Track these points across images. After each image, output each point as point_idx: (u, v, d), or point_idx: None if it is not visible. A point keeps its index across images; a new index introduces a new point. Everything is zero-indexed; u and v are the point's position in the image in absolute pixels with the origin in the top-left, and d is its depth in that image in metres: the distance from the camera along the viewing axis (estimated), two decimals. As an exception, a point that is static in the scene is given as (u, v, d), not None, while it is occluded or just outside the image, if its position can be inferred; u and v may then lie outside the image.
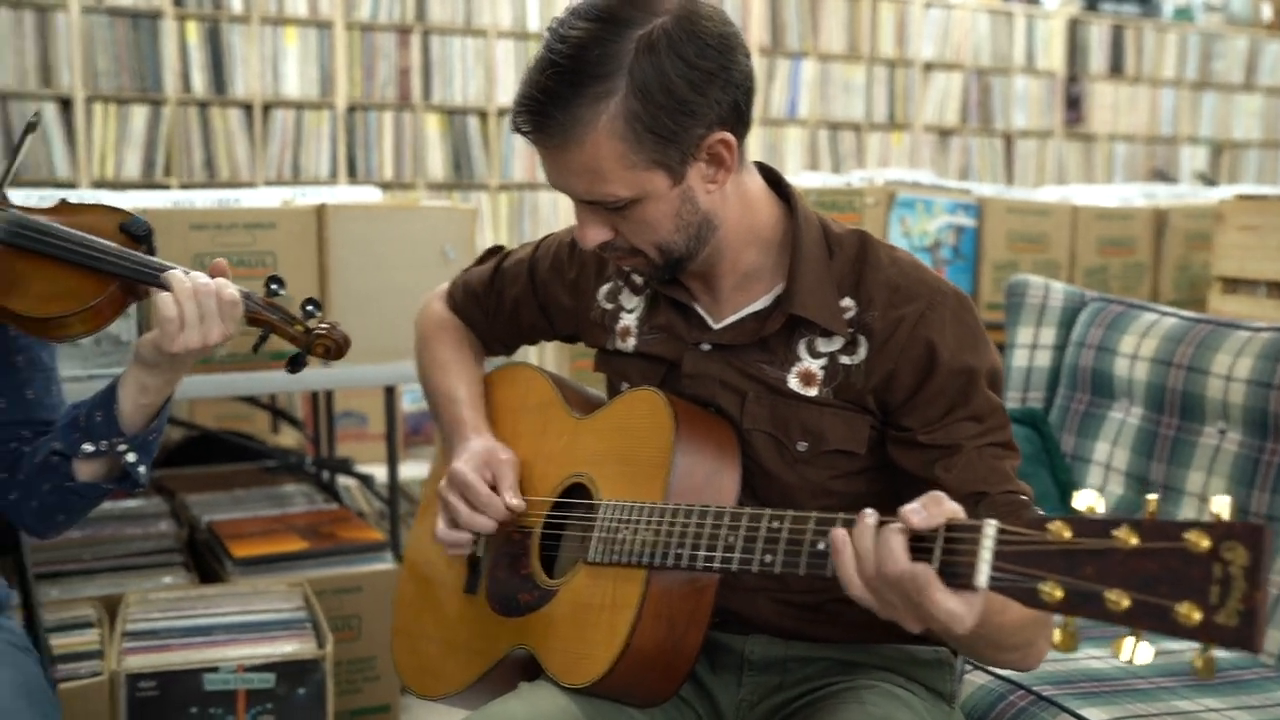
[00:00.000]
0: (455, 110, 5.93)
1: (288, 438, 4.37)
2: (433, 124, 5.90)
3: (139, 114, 5.36)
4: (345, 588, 2.69)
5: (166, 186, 5.38)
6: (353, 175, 5.73)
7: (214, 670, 2.22)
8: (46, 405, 1.59)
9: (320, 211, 2.73)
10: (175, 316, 1.40)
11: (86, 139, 5.27)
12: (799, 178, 3.93)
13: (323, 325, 1.52)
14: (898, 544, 1.05)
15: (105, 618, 2.41)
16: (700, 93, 1.25)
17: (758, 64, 6.58)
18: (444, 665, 1.57)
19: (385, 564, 2.76)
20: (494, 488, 1.50)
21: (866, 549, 1.08)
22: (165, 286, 1.43)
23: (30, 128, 1.53)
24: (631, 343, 1.51)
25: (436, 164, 5.91)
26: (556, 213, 6.12)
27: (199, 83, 5.45)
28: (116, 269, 1.46)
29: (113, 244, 1.47)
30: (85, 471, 1.50)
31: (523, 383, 1.64)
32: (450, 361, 1.68)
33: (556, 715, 1.34)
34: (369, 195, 3.58)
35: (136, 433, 1.48)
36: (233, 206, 2.75)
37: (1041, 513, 1.32)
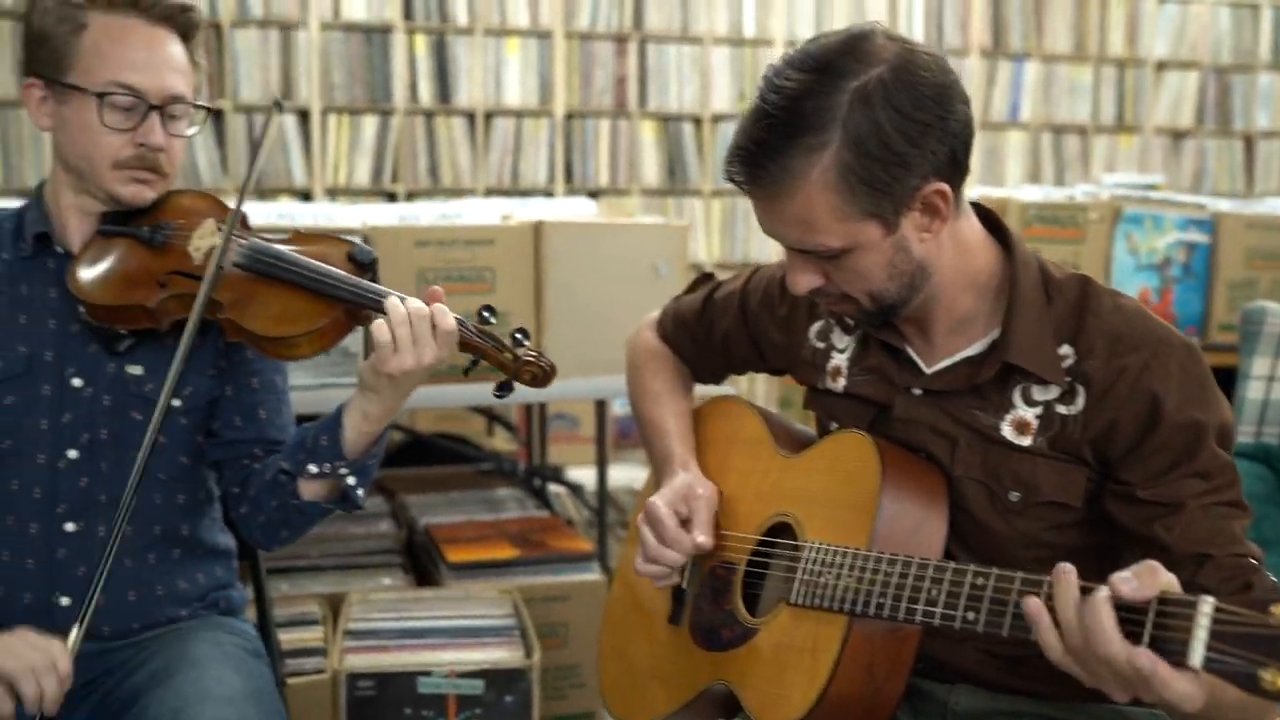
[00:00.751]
0: (670, 117, 5.99)
1: (500, 439, 4.51)
2: (648, 131, 5.97)
3: (369, 124, 5.62)
4: (554, 596, 2.76)
5: (394, 193, 5.62)
6: (569, 181, 5.86)
7: (427, 674, 2.31)
8: (277, 425, 1.70)
9: (537, 228, 2.80)
10: (389, 341, 1.47)
11: (321, 148, 5.55)
12: (1019, 190, 3.81)
13: (530, 353, 1.56)
14: (1107, 618, 1.02)
15: (329, 615, 2.54)
16: (915, 145, 1.23)
17: (978, 66, 6.41)
18: (646, 692, 1.60)
19: (593, 575, 2.81)
20: (688, 522, 1.52)
21: (1070, 620, 1.05)
22: (384, 311, 1.50)
23: (277, 107, 1.62)
24: (842, 383, 1.50)
25: (651, 170, 5.99)
26: (768, 219, 6.10)
27: (425, 93, 5.67)
28: (342, 294, 1.54)
29: (340, 271, 1.56)
30: (309, 491, 1.59)
31: (733, 417, 1.65)
32: (660, 392, 1.70)
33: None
34: (583, 208, 3.66)
35: (357, 457, 1.56)
36: (454, 224, 2.85)
37: (1273, 579, 1.25)
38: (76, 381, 1.59)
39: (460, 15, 5.67)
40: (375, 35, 5.59)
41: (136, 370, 1.61)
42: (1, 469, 1.57)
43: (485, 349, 1.55)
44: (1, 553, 1.57)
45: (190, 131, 1.64)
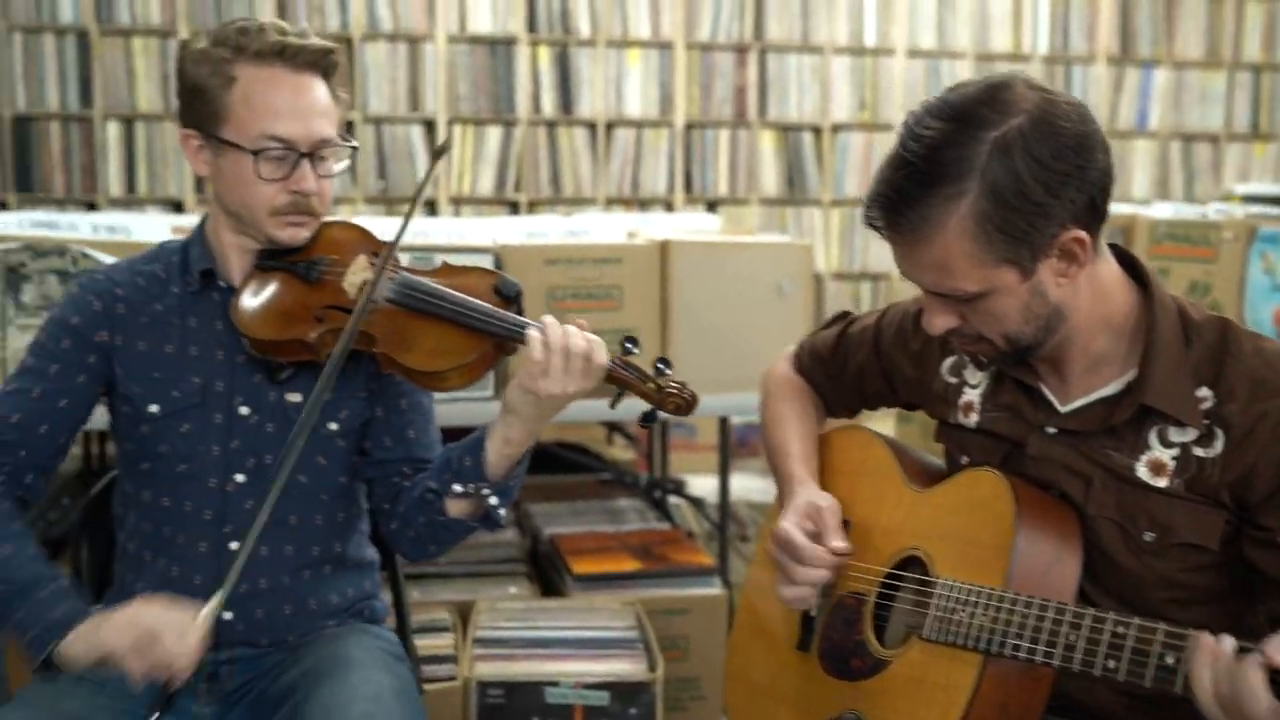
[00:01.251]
0: (790, 127, 6.00)
1: (619, 447, 4.58)
2: (767, 140, 5.99)
3: (493, 134, 5.73)
4: (675, 609, 2.81)
5: (516, 203, 5.73)
6: (689, 191, 5.90)
7: (554, 685, 2.37)
8: (424, 445, 1.77)
9: (664, 247, 2.85)
10: (540, 366, 1.52)
11: (447, 158, 5.68)
12: (1148, 208, 3.75)
13: (673, 384, 1.59)
14: (1257, 682, 1.03)
15: (459, 623, 2.62)
16: (1054, 194, 1.25)
17: (1104, 74, 6.30)
18: (772, 716, 1.63)
19: (714, 589, 2.85)
20: (818, 536, 1.55)
21: (1222, 686, 1.06)
22: (528, 342, 1.55)
23: (441, 151, 1.68)
24: (974, 418, 1.52)
25: (770, 180, 6.00)
26: (887, 229, 6.08)
27: (548, 104, 5.77)
28: (491, 329, 1.60)
29: (487, 305, 1.62)
30: (454, 509, 1.66)
31: (861, 446, 1.67)
32: (788, 417, 1.74)
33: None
34: (705, 223, 3.71)
35: (499, 479, 1.62)
36: (582, 242, 2.92)
37: None
38: (244, 410, 1.68)
39: (583, 27, 5.76)
40: (500, 47, 5.71)
41: (295, 398, 1.69)
42: (176, 491, 1.67)
43: (630, 381, 1.59)
44: (172, 568, 1.67)
45: (339, 169, 1.70)
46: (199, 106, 1.64)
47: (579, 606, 2.71)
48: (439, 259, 1.78)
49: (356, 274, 1.67)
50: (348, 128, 5.53)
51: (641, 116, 5.85)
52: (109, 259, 2.68)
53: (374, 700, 1.53)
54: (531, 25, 5.72)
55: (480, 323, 1.61)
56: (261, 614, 1.67)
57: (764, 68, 5.96)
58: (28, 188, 5.45)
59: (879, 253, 6.10)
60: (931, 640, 1.38)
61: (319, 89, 1.65)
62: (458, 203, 5.71)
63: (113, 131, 5.49)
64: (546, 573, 3.00)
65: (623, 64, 5.82)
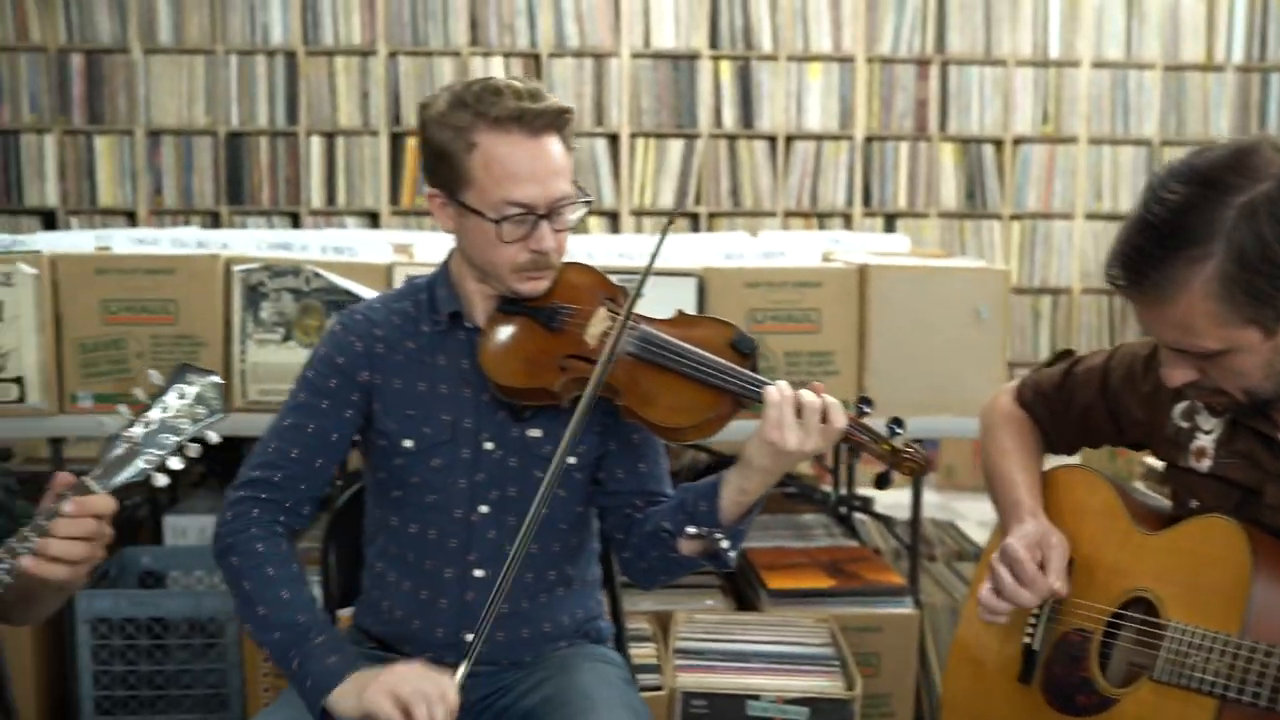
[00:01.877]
0: (970, 140, 5.96)
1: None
2: (947, 154, 5.96)
3: (675, 148, 5.84)
4: (867, 627, 2.86)
5: (696, 215, 5.83)
6: (867, 204, 5.91)
7: (756, 698, 2.45)
8: (655, 478, 1.85)
9: (862, 271, 2.90)
10: (780, 422, 1.57)
11: (629, 171, 5.82)
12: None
13: (909, 448, 1.62)
14: None
15: (659, 632, 2.72)
16: None
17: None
18: (993, 744, 1.68)
19: (906, 609, 2.89)
20: (1044, 566, 1.59)
21: None
22: (766, 402, 1.59)
23: (670, 222, 1.75)
24: (1206, 463, 1.54)
25: (949, 193, 5.97)
26: (1070, 243, 5.99)
27: (729, 117, 5.85)
28: (731, 388, 1.66)
29: (724, 362, 1.67)
30: (686, 548, 1.72)
31: (1085, 487, 1.71)
32: (1011, 449, 1.78)
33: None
34: (896, 244, 3.73)
35: (731, 524, 1.68)
36: (782, 265, 2.99)
37: None
38: (488, 445, 1.78)
39: (764, 42, 5.82)
40: (683, 62, 5.82)
41: (536, 434, 1.78)
42: (425, 519, 1.79)
43: (865, 443, 1.61)
44: (421, 591, 1.79)
45: (573, 219, 1.76)
46: (442, 170, 1.72)
47: (773, 621, 2.78)
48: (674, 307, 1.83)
49: (597, 325, 1.74)
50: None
51: (821, 130, 5.88)
52: (339, 279, 2.87)
53: None
54: (714, 41, 5.82)
55: (720, 381, 1.66)
56: (502, 636, 1.77)
57: (945, 80, 5.93)
58: (238, 199, 5.79)
59: (1060, 268, 6.02)
60: (1163, 682, 1.42)
61: (555, 148, 1.70)
62: (639, 215, 5.84)
63: (315, 146, 5.78)
64: (740, 587, 3.08)
65: (803, 78, 5.87)
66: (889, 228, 5.91)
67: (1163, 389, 1.61)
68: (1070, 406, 1.75)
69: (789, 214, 5.88)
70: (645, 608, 2.87)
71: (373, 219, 5.81)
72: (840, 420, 1.59)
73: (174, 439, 1.40)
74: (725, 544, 1.68)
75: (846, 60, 5.87)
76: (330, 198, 5.81)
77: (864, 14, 5.83)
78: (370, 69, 5.76)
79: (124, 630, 2.99)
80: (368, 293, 2.84)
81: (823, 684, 2.49)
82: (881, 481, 1.67)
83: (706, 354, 1.68)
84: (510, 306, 1.78)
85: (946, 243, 5.93)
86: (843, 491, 3.74)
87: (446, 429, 1.78)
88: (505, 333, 1.76)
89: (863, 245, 3.57)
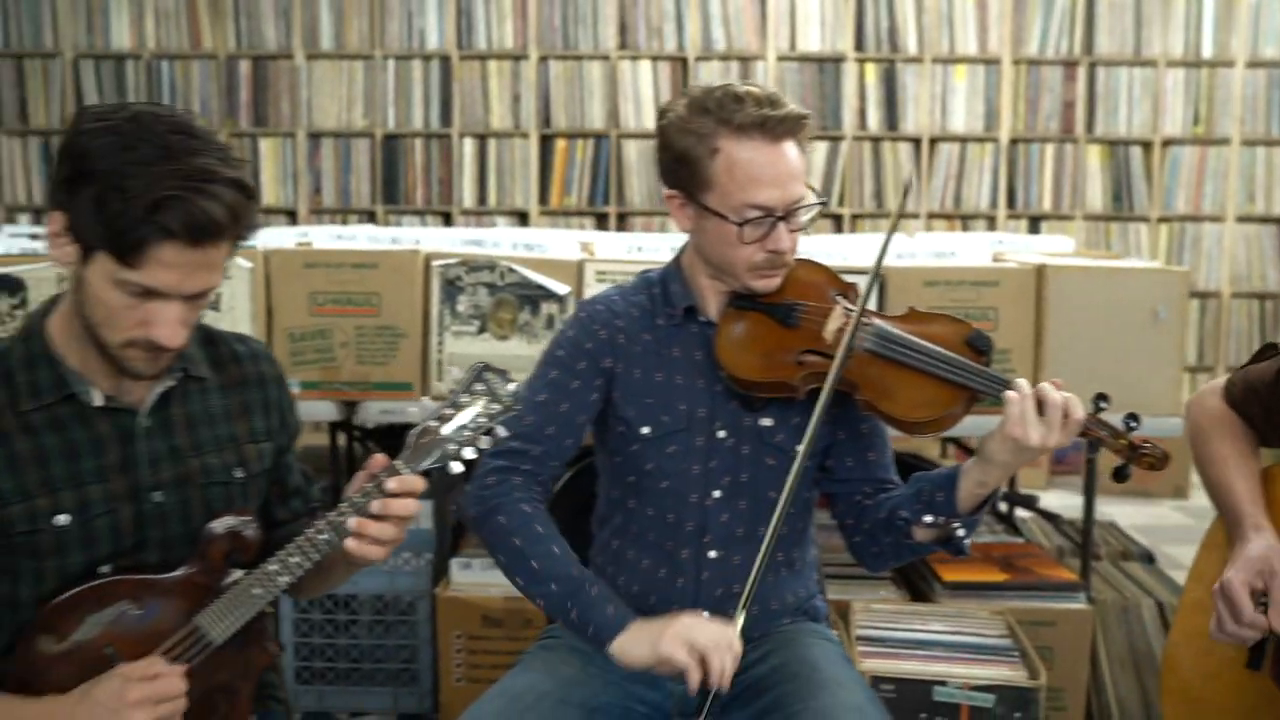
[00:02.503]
0: (1118, 141, 5.92)
1: (953, 459, 4.66)
2: (1094, 156, 5.93)
3: (819, 149, 5.91)
4: (1040, 621, 2.90)
5: (839, 216, 5.89)
6: (1011, 206, 5.91)
7: (942, 684, 2.51)
8: (883, 466, 1.93)
9: (1040, 271, 2.95)
10: (1021, 418, 1.62)
11: (774, 173, 5.90)
12: None
13: (1146, 443, 1.66)
14: None
15: (839, 620, 2.80)
16: None
17: None
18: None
19: (1080, 604, 2.92)
20: (1265, 593, 1.63)
21: None
22: (1007, 399, 1.64)
23: (897, 220, 1.81)
24: None
25: (1095, 196, 5.94)
26: (1220, 246, 5.91)
27: (873, 120, 5.90)
28: (971, 384, 1.72)
29: (962, 359, 1.73)
30: (921, 535, 1.80)
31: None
32: (1228, 456, 1.81)
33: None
34: (1062, 245, 3.76)
35: (968, 513, 1.75)
36: (959, 265, 3.04)
37: None
38: (721, 433, 1.87)
39: (910, 45, 5.86)
40: (828, 65, 5.88)
41: (768, 423, 1.87)
42: (661, 503, 1.88)
43: (1103, 438, 1.67)
44: (660, 570, 1.89)
45: (806, 219, 1.82)
46: (683, 173, 1.79)
47: (948, 612, 2.84)
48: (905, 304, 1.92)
49: (834, 321, 1.80)
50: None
51: (966, 132, 5.90)
52: (532, 274, 3.01)
53: (858, 711, 1.70)
54: (859, 43, 5.87)
55: (961, 378, 1.72)
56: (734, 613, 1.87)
57: (1093, 82, 5.90)
58: (393, 199, 6.00)
59: (1209, 271, 5.94)
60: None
61: (793, 153, 1.77)
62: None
63: (468, 148, 5.97)
64: (913, 579, 3.14)
65: (949, 80, 5.89)
66: (1033, 230, 5.89)
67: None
68: None
69: (932, 215, 5.91)
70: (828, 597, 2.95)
71: (522, 218, 5.98)
72: (1080, 415, 1.63)
73: (469, 432, 1.52)
74: (961, 532, 1.75)
75: (992, 62, 5.87)
76: (481, 198, 6.00)
77: (1011, 15, 5.83)
78: (521, 73, 5.92)
79: (323, 605, 3.16)
80: (560, 288, 2.97)
81: (1006, 673, 2.54)
82: (1119, 475, 1.70)
83: (946, 351, 1.74)
84: (743, 302, 1.86)
85: (1092, 245, 5.90)
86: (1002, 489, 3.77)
87: (682, 418, 1.86)
88: (741, 328, 1.84)
89: (1028, 246, 3.60)
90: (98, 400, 1.54)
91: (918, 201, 5.91)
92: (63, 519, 1.50)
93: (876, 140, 5.92)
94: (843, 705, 1.69)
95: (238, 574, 1.55)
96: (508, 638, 2.97)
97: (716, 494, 1.87)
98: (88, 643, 1.49)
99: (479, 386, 1.54)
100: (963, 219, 5.93)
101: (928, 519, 1.75)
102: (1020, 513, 3.83)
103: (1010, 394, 1.64)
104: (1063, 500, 4.88)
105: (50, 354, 1.54)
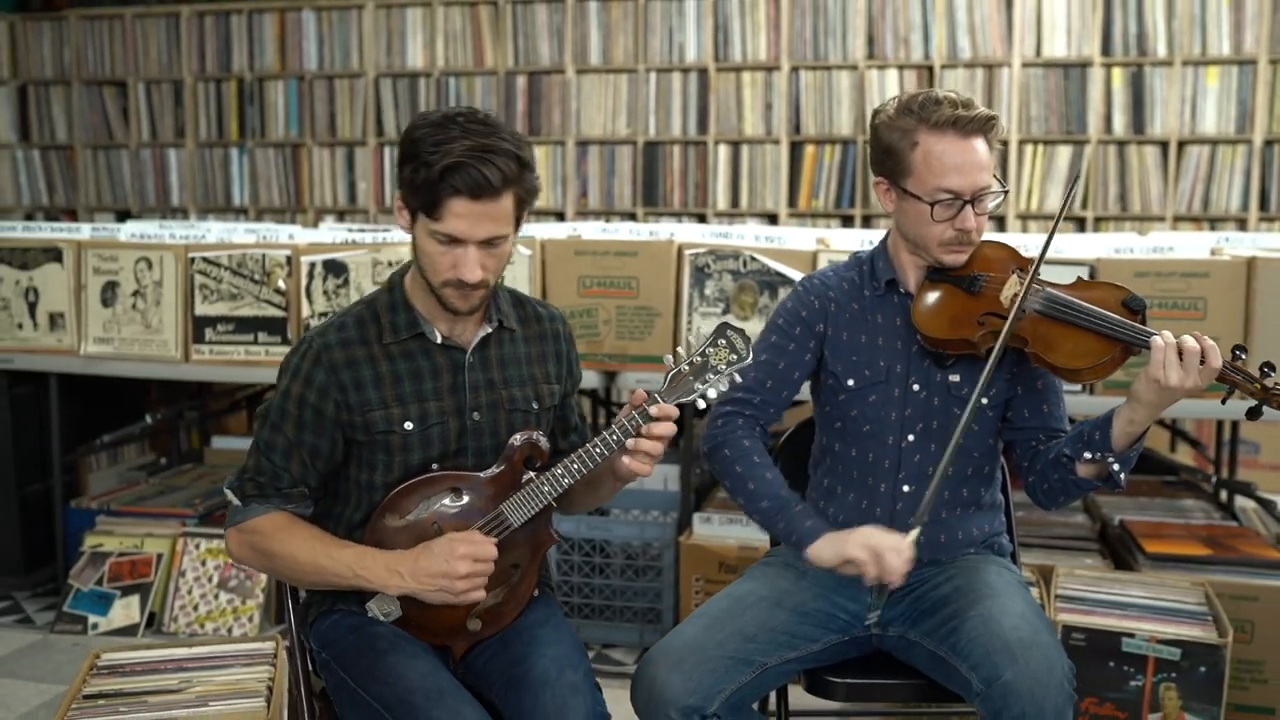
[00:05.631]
0: (1381, 143, 5.79)
1: (1182, 454, 4.75)
2: (1355, 157, 5.83)
3: (1063, 153, 6.03)
4: (1242, 595, 3.06)
5: (1083, 219, 6.00)
6: (1264, 209, 5.87)
7: (1131, 636, 2.75)
8: (1056, 417, 2.23)
9: (1250, 263, 3.11)
10: (1164, 362, 1.91)
11: (1017, 176, 6.07)
12: None
13: (1279, 386, 1.91)
14: None
15: (1041, 582, 3.06)
16: None
17: None
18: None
19: (1282, 581, 3.07)
20: None
21: None
22: (1152, 347, 1.94)
23: (1075, 178, 2.12)
24: None
25: (1355, 198, 5.83)
26: None
27: (1119, 123, 5.98)
28: (1121, 336, 2.01)
29: (1116, 316, 2.03)
30: (1083, 471, 2.09)
31: None
32: None
33: None
34: (1289, 242, 3.83)
35: (1122, 450, 2.04)
36: (1170, 257, 3.24)
37: None
38: (915, 386, 2.22)
39: (1159, 48, 5.91)
40: (1074, 70, 6.00)
41: (955, 378, 2.21)
42: (863, 445, 2.24)
43: (1238, 382, 1.93)
44: (862, 501, 2.25)
45: (992, 205, 2.16)
46: (889, 163, 2.16)
47: (1149, 581, 3.04)
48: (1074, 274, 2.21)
49: (1010, 288, 2.13)
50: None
51: (1216, 134, 5.90)
52: (771, 262, 3.39)
53: (1020, 616, 2.01)
54: (1106, 48, 5.96)
55: (1112, 331, 2.02)
56: (924, 540, 2.20)
57: (1355, 82, 5.79)
58: (652, 202, 6.50)
59: None
60: None
61: (981, 147, 2.10)
62: (1024, 219, 6.07)
63: (722, 154, 6.40)
64: (1117, 551, 3.35)
65: (1200, 82, 5.91)
66: (1288, 233, 5.83)
67: None
68: None
69: (1178, 218, 5.93)
70: (1028, 561, 3.21)
71: (772, 220, 6.36)
72: (1216, 360, 1.90)
73: (713, 375, 1.93)
74: (1116, 466, 2.04)
75: (1247, 63, 5.85)
76: (734, 200, 6.41)
77: (1269, 15, 5.80)
78: (774, 83, 6.31)
79: (582, 549, 3.64)
80: (795, 274, 3.35)
81: (1195, 632, 2.75)
82: (1252, 413, 1.95)
83: (1101, 310, 2.04)
84: (937, 275, 2.21)
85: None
86: (1223, 475, 3.89)
87: (882, 372, 2.23)
88: (933, 296, 2.19)
89: (1254, 242, 3.72)
90: (438, 339, 2.04)
91: (1163, 204, 5.95)
92: (409, 425, 2.00)
93: (1122, 144, 5.99)
94: (1004, 610, 2.00)
95: (531, 475, 2.01)
96: (740, 580, 3.35)
97: (910, 438, 2.21)
98: (420, 520, 1.98)
99: (721, 341, 1.94)
100: (1211, 221, 5.93)
101: (1087, 455, 2.05)
102: (1242, 502, 3.94)
103: (1155, 340, 1.93)
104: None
105: (406, 301, 2.04)
